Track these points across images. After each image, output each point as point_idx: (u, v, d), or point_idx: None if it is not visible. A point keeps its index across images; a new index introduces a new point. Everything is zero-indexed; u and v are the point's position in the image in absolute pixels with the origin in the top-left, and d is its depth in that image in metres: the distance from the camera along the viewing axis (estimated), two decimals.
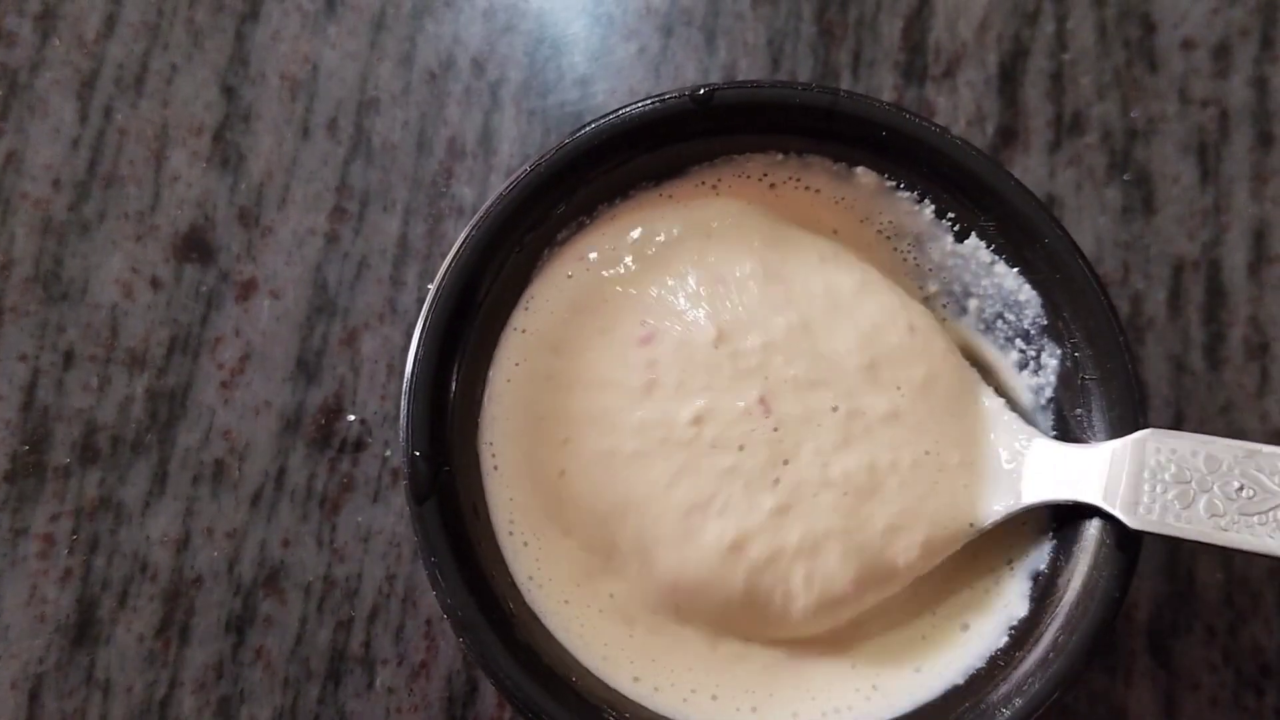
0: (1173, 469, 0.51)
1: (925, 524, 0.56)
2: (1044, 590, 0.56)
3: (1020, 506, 0.56)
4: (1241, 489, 0.49)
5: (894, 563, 0.56)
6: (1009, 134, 0.72)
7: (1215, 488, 0.50)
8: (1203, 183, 0.71)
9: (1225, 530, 0.49)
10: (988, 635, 0.57)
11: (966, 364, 0.59)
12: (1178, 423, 0.67)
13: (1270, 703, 0.65)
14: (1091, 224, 0.70)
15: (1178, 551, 0.66)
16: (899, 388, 0.57)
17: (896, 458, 0.56)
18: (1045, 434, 0.57)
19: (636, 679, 0.56)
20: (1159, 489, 0.51)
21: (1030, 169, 0.71)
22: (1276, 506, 0.49)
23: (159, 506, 0.65)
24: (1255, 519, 0.49)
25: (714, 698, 0.56)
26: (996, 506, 0.56)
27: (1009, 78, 0.73)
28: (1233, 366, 0.68)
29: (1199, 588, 0.66)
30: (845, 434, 0.56)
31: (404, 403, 0.54)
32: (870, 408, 0.57)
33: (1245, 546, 0.49)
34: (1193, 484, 0.50)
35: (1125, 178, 0.71)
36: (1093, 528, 0.54)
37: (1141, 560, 0.62)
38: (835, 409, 0.56)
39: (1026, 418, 0.59)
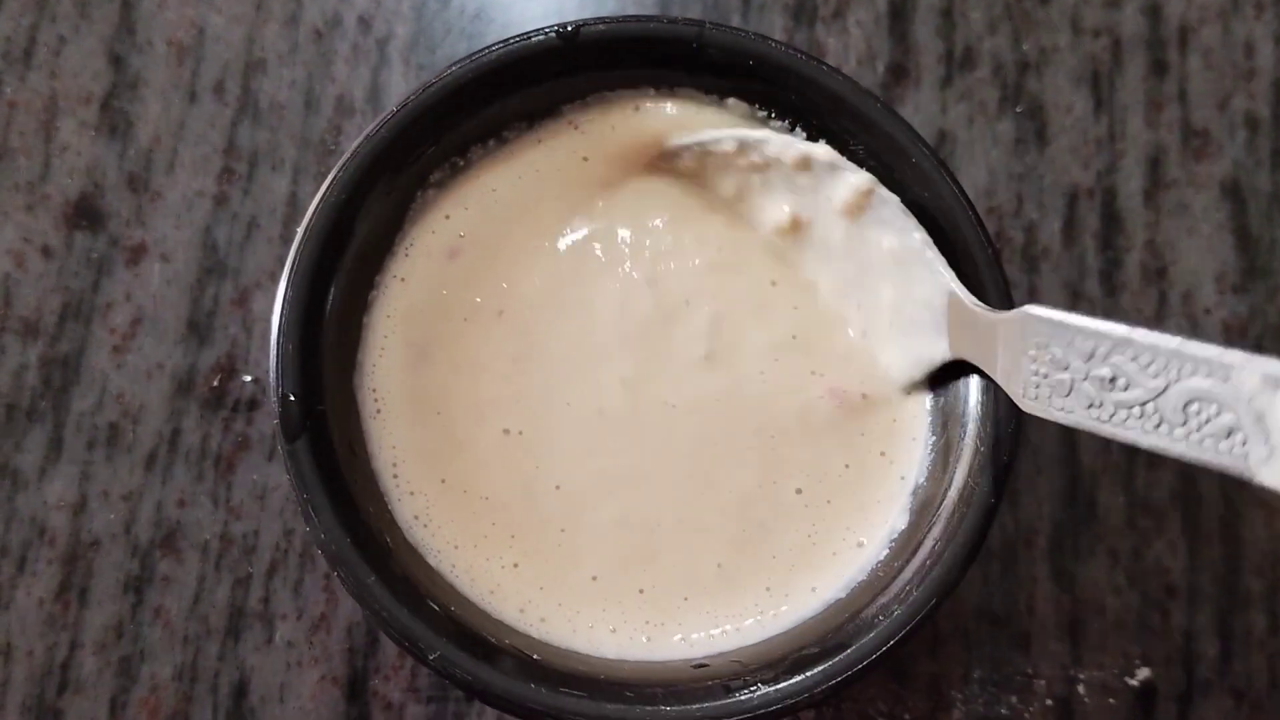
0: (1053, 352, 0.47)
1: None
2: (923, 501, 0.56)
3: (952, 355, 0.55)
4: (1114, 380, 0.45)
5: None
6: (900, 71, 0.72)
7: (1090, 375, 0.46)
8: (1096, 112, 0.71)
9: (1104, 422, 0.46)
10: (870, 548, 0.57)
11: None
12: None
13: (1177, 623, 0.65)
14: (984, 157, 0.70)
15: (1079, 474, 0.66)
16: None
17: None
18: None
19: (522, 610, 0.56)
20: (1041, 371, 0.48)
21: (921, 105, 0.71)
22: (1150, 399, 0.44)
23: (55, 472, 0.65)
24: (1131, 412, 0.45)
25: (612, 631, 0.57)
26: (925, 353, 0.56)
27: (899, 15, 0.73)
28: (1130, 292, 0.69)
29: (1101, 510, 0.66)
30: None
31: (273, 342, 0.54)
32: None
33: (1125, 439, 0.45)
34: (1069, 371, 0.47)
35: (1018, 110, 0.71)
36: (969, 436, 0.55)
37: (1041, 485, 0.63)
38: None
39: None
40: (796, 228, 0.59)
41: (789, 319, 0.59)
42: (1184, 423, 0.43)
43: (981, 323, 0.51)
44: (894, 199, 0.56)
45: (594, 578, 0.57)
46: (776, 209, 0.60)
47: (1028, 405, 0.48)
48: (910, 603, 0.52)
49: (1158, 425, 0.44)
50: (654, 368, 0.58)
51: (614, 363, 0.58)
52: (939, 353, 0.55)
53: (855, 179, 0.56)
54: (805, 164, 0.57)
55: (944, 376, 0.58)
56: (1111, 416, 0.46)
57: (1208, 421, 0.43)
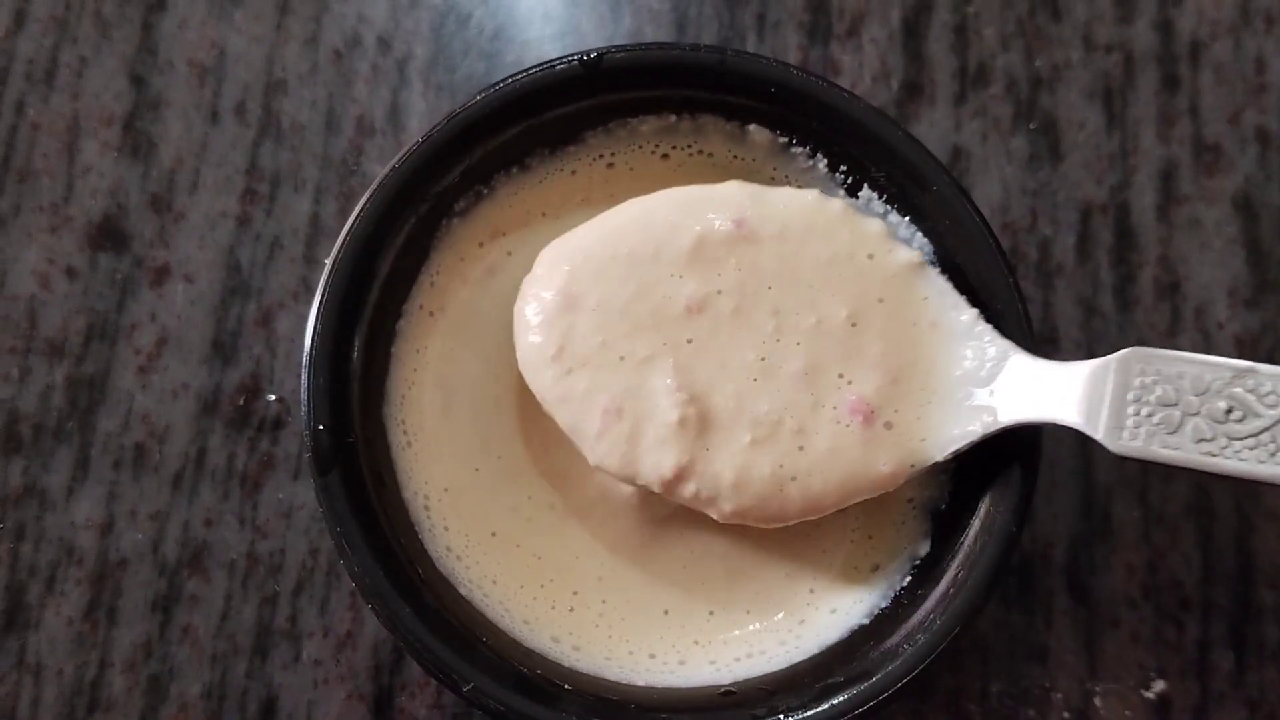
0: (1158, 391, 0.48)
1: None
2: (944, 528, 0.57)
3: (998, 427, 0.53)
4: (1230, 411, 0.47)
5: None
6: (914, 89, 0.72)
7: (1203, 410, 0.47)
8: (1109, 127, 0.72)
9: (1214, 456, 0.47)
10: (892, 574, 0.58)
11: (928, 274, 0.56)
12: None
13: (1191, 636, 0.65)
14: (999, 173, 0.71)
15: (1093, 490, 0.67)
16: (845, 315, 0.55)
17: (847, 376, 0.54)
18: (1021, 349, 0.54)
19: (556, 639, 0.57)
20: (1144, 412, 0.48)
21: (936, 122, 0.72)
22: (1267, 429, 0.47)
23: (82, 492, 0.66)
24: (1245, 443, 0.47)
25: (652, 655, 0.58)
26: (971, 427, 0.53)
27: (912, 33, 0.73)
28: (1143, 307, 0.69)
29: (1116, 525, 0.66)
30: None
31: (304, 376, 0.54)
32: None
33: (1236, 473, 0.47)
34: (1179, 407, 0.48)
35: (1031, 126, 0.72)
36: (991, 464, 0.55)
37: (1057, 500, 0.64)
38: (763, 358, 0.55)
39: None
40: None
41: (860, 299, 0.56)
42: None
43: (1059, 377, 0.51)
44: (942, 278, 0.56)
45: (666, 611, 0.59)
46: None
47: (1125, 447, 0.49)
48: (934, 631, 0.52)
49: (1274, 454, 0.46)
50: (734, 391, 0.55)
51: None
52: (977, 429, 0.53)
53: (908, 254, 0.56)
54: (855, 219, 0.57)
55: None
56: (1224, 449, 0.47)
57: None
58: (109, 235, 0.69)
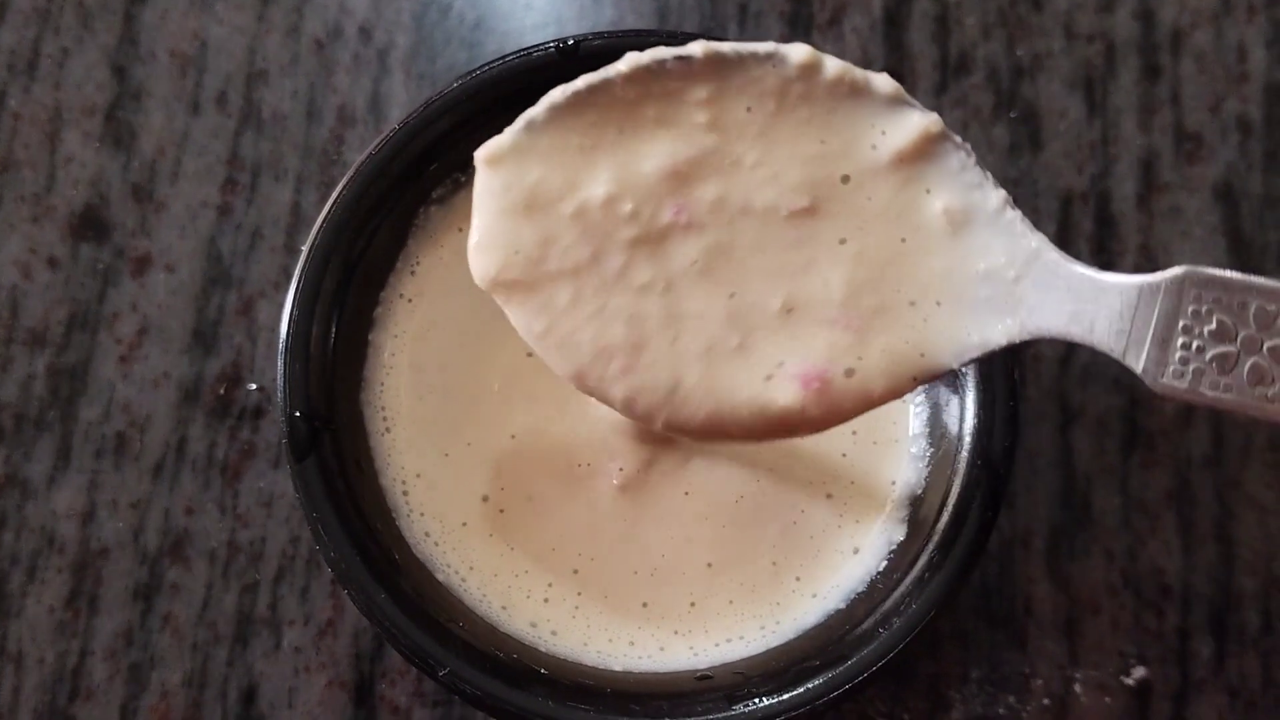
0: (1214, 322, 0.40)
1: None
2: (920, 513, 0.57)
3: (1025, 335, 0.45)
4: None
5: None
6: (895, 77, 0.71)
7: (1265, 347, 0.40)
8: (1090, 116, 0.72)
9: (1272, 402, 0.40)
10: (869, 559, 0.58)
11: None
12: (1068, 354, 0.68)
13: (1171, 623, 0.65)
14: (979, 162, 0.71)
15: (1074, 476, 0.67)
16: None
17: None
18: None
19: (534, 624, 0.57)
20: (1195, 345, 0.41)
21: None
22: None
23: (64, 481, 0.66)
24: None
25: (631, 642, 0.58)
26: (992, 334, 0.45)
27: (894, 22, 0.73)
28: None
29: (1096, 512, 0.66)
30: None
31: (280, 363, 0.54)
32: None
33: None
34: (1238, 342, 0.40)
35: (1012, 115, 0.72)
36: (965, 448, 0.55)
37: (1037, 486, 0.64)
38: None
39: None
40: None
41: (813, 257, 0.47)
42: None
43: (1099, 291, 0.43)
44: (965, 148, 0.47)
45: (645, 604, 0.58)
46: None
47: (1168, 386, 0.41)
48: (908, 615, 0.53)
49: None
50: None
51: None
52: (999, 334, 0.45)
53: (923, 120, 0.47)
54: (852, 90, 0.48)
55: (941, 386, 0.58)
56: None
57: None
58: (90, 225, 0.69)
